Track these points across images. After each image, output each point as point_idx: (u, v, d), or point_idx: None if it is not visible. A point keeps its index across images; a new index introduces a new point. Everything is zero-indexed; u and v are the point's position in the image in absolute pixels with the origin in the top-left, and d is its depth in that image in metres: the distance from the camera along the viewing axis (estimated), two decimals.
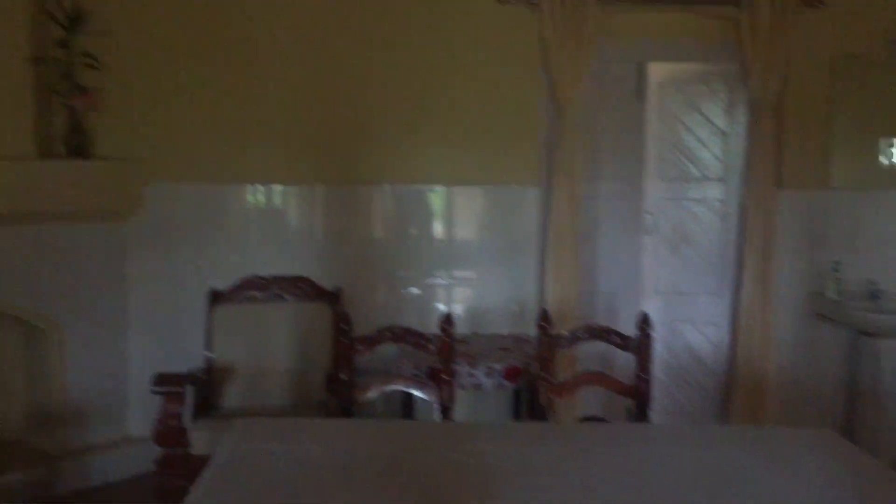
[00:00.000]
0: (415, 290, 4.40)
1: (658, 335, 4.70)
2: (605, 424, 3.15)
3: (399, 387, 2.99)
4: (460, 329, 4.36)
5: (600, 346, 3.44)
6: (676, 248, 4.72)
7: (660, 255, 4.75)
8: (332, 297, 4.08)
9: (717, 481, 2.07)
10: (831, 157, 4.37)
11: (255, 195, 4.37)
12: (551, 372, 2.97)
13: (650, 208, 4.71)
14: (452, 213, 4.41)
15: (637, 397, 3.00)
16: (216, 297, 3.99)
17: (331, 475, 2.04)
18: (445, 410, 2.90)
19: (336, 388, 2.99)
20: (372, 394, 2.93)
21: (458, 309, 4.39)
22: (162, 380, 3.16)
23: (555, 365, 4.13)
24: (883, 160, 4.50)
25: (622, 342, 3.07)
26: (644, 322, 3.00)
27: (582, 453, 2.26)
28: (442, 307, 4.34)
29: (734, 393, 4.37)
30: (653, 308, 4.69)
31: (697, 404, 4.68)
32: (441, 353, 2.91)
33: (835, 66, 4.31)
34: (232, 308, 3.99)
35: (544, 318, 2.98)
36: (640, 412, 3.00)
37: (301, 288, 4.08)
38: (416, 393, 2.98)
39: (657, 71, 4.55)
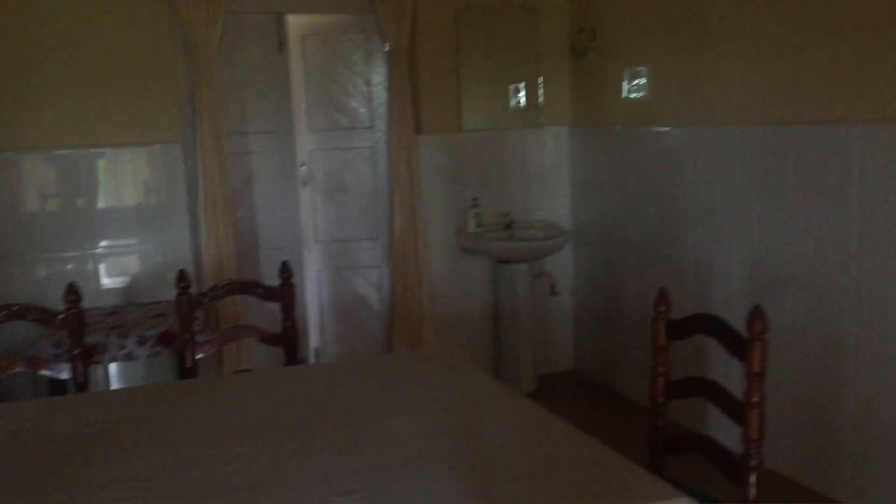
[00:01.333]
0: (65, 266, 4.08)
1: (324, 283, 4.89)
2: (245, 374, 3.21)
3: (22, 369, 2.76)
4: (114, 300, 4.17)
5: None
6: (333, 197, 4.85)
7: (318, 205, 4.85)
8: None
9: (336, 407, 2.19)
10: (465, 102, 4.72)
11: None
12: (192, 331, 2.92)
13: (304, 159, 4.78)
14: (96, 179, 4.13)
15: (285, 344, 3.06)
16: None
17: None
18: (81, 386, 2.75)
19: None
20: None
21: (114, 280, 4.17)
22: None
23: (212, 322, 4.14)
24: (512, 103, 4.96)
25: (266, 293, 3.09)
26: (284, 271, 3.05)
27: (206, 405, 2.28)
28: (99, 280, 4.10)
29: (395, 329, 4.64)
30: (316, 257, 4.82)
31: (367, 344, 4.89)
32: (69, 326, 2.73)
33: (460, 16, 4.63)
34: None
35: (181, 278, 2.92)
36: (291, 357, 3.07)
37: None
38: (46, 373, 2.78)
39: (297, 22, 4.58)
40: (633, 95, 4.32)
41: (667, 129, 4.11)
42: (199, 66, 4.07)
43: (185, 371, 2.98)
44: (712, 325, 2.26)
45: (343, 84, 4.76)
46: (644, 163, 4.28)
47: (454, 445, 1.89)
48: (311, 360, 4.85)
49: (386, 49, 4.48)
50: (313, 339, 4.94)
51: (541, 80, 4.84)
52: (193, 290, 2.98)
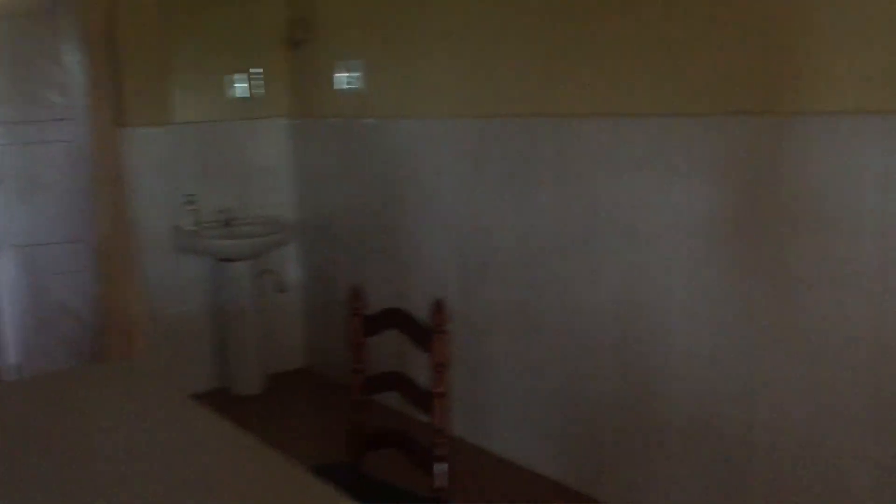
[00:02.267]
0: None
1: (23, 291, 4.41)
2: None
3: None
4: None
5: None
6: (28, 197, 4.38)
7: (11, 205, 4.36)
8: None
9: None
10: (177, 93, 4.44)
11: None
12: None
13: None
14: None
15: None
16: None
17: None
18: None
19: None
20: None
21: None
22: None
23: None
24: (229, 94, 4.73)
25: None
26: None
27: None
28: None
29: (106, 338, 4.29)
30: (11, 264, 4.35)
31: (76, 356, 4.48)
32: None
33: (164, 2, 4.34)
34: None
35: None
36: None
37: None
38: None
39: None
40: (347, 87, 4.29)
41: (382, 121, 4.13)
42: None
43: None
44: (400, 319, 2.27)
45: (34, 71, 4.29)
46: (363, 155, 4.27)
47: (116, 469, 1.73)
48: (14, 377, 4.37)
49: (80, 35, 4.10)
50: (12, 354, 4.44)
51: (259, 70, 4.67)
52: None
